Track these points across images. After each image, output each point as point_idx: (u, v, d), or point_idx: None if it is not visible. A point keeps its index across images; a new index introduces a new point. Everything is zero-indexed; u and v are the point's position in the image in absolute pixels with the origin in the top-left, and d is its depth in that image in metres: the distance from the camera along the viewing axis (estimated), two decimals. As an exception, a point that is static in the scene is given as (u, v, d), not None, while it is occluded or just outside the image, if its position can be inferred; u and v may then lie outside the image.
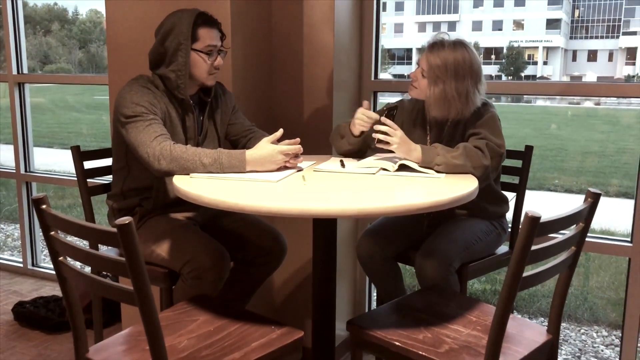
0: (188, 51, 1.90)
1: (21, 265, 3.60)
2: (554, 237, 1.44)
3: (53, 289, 3.27)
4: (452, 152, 1.87)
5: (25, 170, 3.51)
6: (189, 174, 1.78)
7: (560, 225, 1.41)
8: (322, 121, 2.42)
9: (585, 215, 1.46)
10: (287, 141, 1.91)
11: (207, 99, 2.04)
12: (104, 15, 2.48)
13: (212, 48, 1.94)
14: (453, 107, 1.96)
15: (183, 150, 1.78)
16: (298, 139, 1.92)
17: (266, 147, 1.83)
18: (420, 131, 2.14)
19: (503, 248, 2.18)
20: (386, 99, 2.89)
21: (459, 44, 1.97)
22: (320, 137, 2.41)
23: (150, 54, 1.97)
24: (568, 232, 1.47)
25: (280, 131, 1.87)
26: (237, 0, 2.25)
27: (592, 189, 1.47)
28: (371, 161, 1.96)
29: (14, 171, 3.52)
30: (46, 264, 3.60)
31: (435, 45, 1.98)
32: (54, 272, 1.45)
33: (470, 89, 1.95)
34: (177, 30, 1.90)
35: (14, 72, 3.41)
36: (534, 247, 1.30)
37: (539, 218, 1.25)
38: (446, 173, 1.85)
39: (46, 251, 3.75)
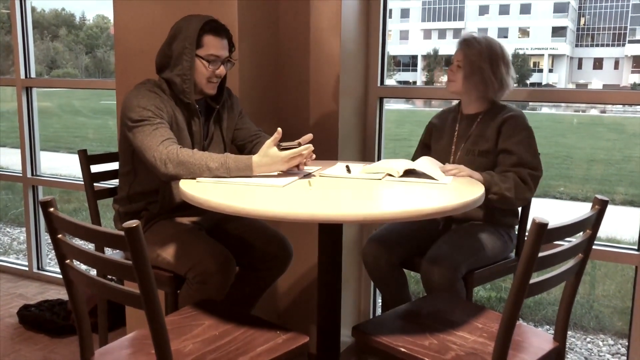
0: (192, 56, 1.91)
1: (27, 268, 3.61)
2: (561, 245, 1.43)
3: (58, 293, 3.27)
4: (505, 183, 1.98)
5: (32, 174, 3.52)
6: (195, 178, 1.78)
7: (568, 232, 1.40)
8: (328, 127, 2.42)
9: (593, 222, 1.46)
10: (302, 139, 1.88)
11: (215, 105, 2.04)
12: (111, 21, 2.50)
13: (214, 58, 1.93)
14: (490, 90, 2.11)
15: (190, 154, 1.79)
16: (310, 135, 1.88)
17: (271, 154, 1.80)
18: (450, 127, 2.23)
19: (509, 255, 2.18)
20: (392, 105, 2.89)
21: (489, 37, 2.15)
22: (327, 143, 2.41)
23: (157, 56, 1.98)
24: (575, 240, 1.47)
25: (279, 131, 1.82)
26: (244, 7, 2.26)
27: (599, 196, 1.47)
28: (377, 166, 1.96)
29: (21, 175, 3.53)
30: (51, 268, 3.60)
31: (469, 40, 2.14)
32: (59, 276, 1.45)
33: (504, 75, 2.11)
34: (184, 35, 1.90)
35: (22, 76, 3.43)
36: (541, 254, 1.29)
37: (546, 224, 1.25)
38: (495, 201, 1.97)
39: (51, 255, 3.75)
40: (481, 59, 2.08)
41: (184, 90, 1.93)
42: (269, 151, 1.80)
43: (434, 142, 2.26)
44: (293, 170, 1.86)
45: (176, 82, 1.92)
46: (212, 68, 1.94)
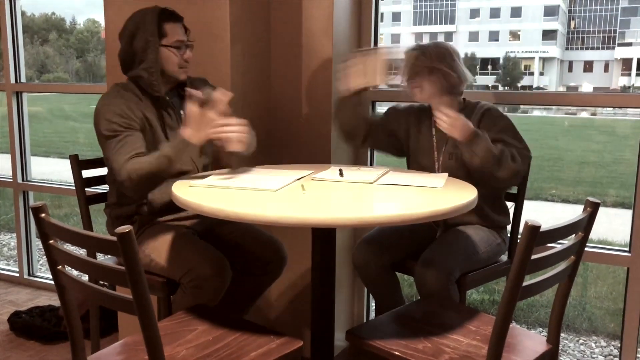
0: (157, 48, 1.92)
1: (17, 274, 3.58)
2: (553, 247, 1.44)
3: (49, 299, 3.25)
4: (495, 147, 1.97)
5: (22, 179, 3.50)
6: (163, 181, 1.82)
7: (560, 234, 1.40)
8: (320, 130, 2.42)
9: (585, 225, 1.46)
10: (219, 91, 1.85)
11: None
12: (102, 25, 2.50)
13: (180, 43, 1.96)
14: (450, 80, 2.09)
15: (148, 161, 1.80)
16: (230, 93, 1.85)
17: (193, 113, 1.80)
18: (427, 131, 2.19)
19: (502, 257, 2.18)
20: (384, 108, 2.89)
21: (435, 41, 2.18)
22: (319, 146, 2.41)
23: (119, 57, 1.99)
24: (567, 242, 1.47)
25: (189, 91, 1.83)
26: (236, 10, 2.26)
27: (591, 198, 1.47)
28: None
29: (11, 180, 3.51)
30: (42, 274, 3.58)
31: (413, 49, 2.15)
32: (50, 282, 1.44)
33: (462, 68, 2.11)
34: (143, 29, 1.92)
35: (12, 81, 3.41)
36: (533, 257, 1.29)
37: (539, 227, 1.25)
38: (479, 160, 1.93)
39: (42, 260, 3.73)
40: (432, 60, 2.08)
41: (152, 83, 1.93)
42: (192, 113, 1.79)
43: (413, 144, 2.22)
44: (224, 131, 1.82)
45: (144, 76, 1.93)
46: (180, 54, 1.97)
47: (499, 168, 1.94)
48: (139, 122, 1.91)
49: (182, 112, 2.02)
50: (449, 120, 1.92)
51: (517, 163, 1.97)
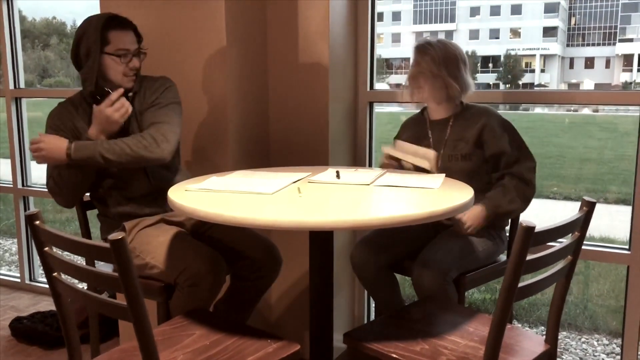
0: (96, 55, 1.92)
1: (19, 280, 3.59)
2: (552, 246, 1.43)
3: (51, 304, 3.25)
4: (507, 195, 2.01)
5: (23, 185, 3.51)
6: (77, 187, 1.95)
7: (555, 234, 1.40)
8: (318, 132, 2.42)
9: (581, 224, 1.46)
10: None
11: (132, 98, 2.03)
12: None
13: (124, 51, 1.95)
14: (451, 91, 2.08)
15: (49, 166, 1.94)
16: (122, 90, 1.92)
17: (95, 115, 1.89)
18: (422, 136, 2.19)
19: (501, 257, 2.18)
20: (383, 108, 2.90)
21: (445, 41, 2.14)
22: (317, 149, 2.41)
23: (71, 59, 2.02)
24: (565, 241, 1.47)
25: (115, 94, 1.89)
26: (232, 13, 2.26)
27: (587, 198, 1.47)
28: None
29: (11, 186, 3.52)
30: (44, 279, 3.59)
31: (422, 47, 2.11)
32: (49, 288, 1.44)
33: (463, 73, 2.10)
34: (87, 35, 1.93)
35: (11, 86, 3.41)
36: (529, 257, 1.29)
37: (533, 228, 1.25)
38: (513, 214, 2.06)
39: (44, 266, 3.73)
40: (438, 66, 2.06)
41: (86, 88, 1.96)
42: (94, 113, 1.89)
43: None
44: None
45: (84, 81, 1.95)
46: (124, 62, 1.95)
47: (524, 206, 2.04)
48: (69, 133, 1.96)
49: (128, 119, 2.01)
50: (464, 226, 2.01)
51: (531, 186, 2.04)
